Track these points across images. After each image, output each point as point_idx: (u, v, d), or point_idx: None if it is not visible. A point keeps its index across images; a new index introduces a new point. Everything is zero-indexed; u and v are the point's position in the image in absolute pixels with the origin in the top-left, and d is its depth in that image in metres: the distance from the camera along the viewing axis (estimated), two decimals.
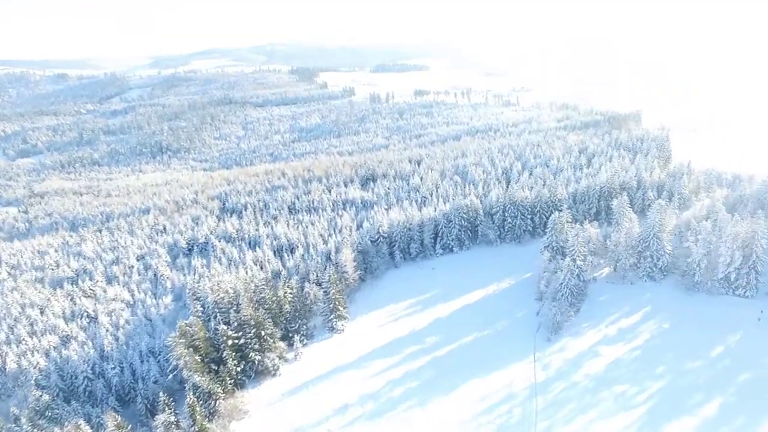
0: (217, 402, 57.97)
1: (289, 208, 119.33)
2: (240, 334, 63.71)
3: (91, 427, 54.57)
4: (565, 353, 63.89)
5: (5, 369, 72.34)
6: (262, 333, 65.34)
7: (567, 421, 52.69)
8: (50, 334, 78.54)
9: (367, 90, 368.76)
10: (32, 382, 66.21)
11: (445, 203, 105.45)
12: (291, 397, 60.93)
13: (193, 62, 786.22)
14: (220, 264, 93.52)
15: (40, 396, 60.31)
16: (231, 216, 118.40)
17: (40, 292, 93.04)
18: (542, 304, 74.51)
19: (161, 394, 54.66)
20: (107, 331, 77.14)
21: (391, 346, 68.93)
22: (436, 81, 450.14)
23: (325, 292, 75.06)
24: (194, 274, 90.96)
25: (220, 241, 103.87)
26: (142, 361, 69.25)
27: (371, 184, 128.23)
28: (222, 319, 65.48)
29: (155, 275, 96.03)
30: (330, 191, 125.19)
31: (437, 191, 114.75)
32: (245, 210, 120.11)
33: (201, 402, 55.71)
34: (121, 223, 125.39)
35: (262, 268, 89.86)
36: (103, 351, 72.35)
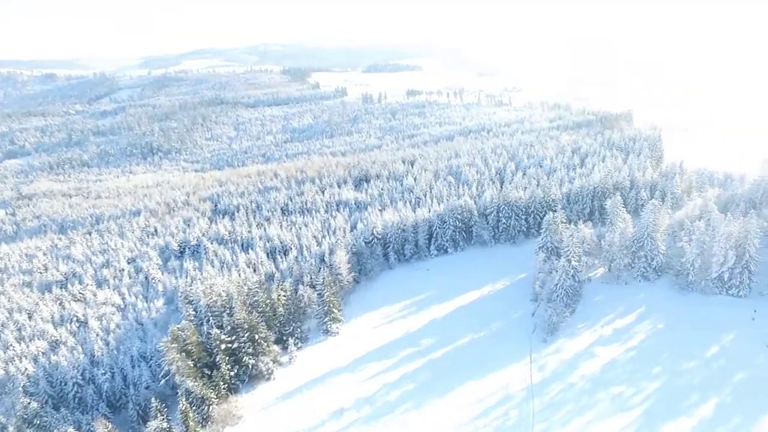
0: (211, 407, 57.38)
1: (282, 209, 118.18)
2: (233, 337, 63.04)
3: None
4: (561, 354, 63.98)
5: None
6: (256, 336, 64.69)
7: (564, 423, 52.66)
8: (39, 339, 76.73)
9: (359, 90, 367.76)
10: (20, 389, 64.52)
11: (439, 204, 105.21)
12: (286, 402, 60.37)
13: (184, 62, 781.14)
14: (213, 266, 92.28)
15: (29, 403, 58.70)
16: (223, 218, 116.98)
17: (28, 297, 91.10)
18: (537, 305, 74.56)
19: (153, 399, 54.01)
20: (97, 335, 75.59)
21: (386, 349, 68.64)
22: (429, 81, 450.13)
23: (319, 294, 74.47)
24: (186, 277, 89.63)
25: (212, 244, 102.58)
26: (133, 367, 67.93)
27: (365, 184, 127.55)
28: (215, 323, 64.65)
29: (146, 278, 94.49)
30: (323, 192, 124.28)
31: (431, 192, 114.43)
32: (237, 211, 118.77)
33: (194, 407, 55.07)
34: (111, 225, 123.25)
35: (255, 270, 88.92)
36: (94, 356, 70.81)
